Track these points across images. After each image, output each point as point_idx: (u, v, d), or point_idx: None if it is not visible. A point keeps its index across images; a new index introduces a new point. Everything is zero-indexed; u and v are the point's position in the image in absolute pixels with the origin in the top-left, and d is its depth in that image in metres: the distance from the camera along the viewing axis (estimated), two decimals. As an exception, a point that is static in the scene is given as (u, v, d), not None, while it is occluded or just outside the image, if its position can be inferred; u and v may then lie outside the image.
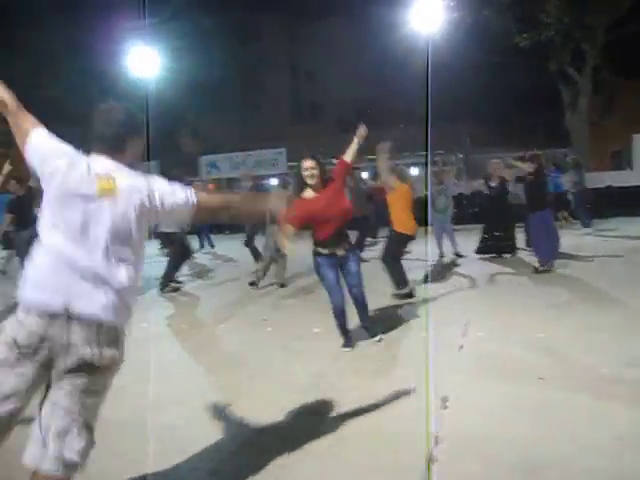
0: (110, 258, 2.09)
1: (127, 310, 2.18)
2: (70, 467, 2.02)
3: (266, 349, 5.08)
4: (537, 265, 8.01)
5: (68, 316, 1.99)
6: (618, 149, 21.92)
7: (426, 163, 18.58)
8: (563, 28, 17.94)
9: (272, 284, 8.20)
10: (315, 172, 4.63)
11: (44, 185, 2.13)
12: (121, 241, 2.13)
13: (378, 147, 6.59)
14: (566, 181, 13.15)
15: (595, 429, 3.12)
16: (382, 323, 5.58)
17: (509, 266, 8.73)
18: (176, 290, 8.22)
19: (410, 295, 6.85)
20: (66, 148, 2.20)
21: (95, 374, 2.06)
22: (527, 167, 7.91)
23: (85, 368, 2.02)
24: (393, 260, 6.91)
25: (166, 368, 4.63)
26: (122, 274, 2.11)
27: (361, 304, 4.93)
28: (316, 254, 4.74)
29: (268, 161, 22.94)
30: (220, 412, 3.67)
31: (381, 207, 14.33)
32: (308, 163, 4.67)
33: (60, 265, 2.04)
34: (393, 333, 5.31)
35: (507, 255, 9.45)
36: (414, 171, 24.03)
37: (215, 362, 4.87)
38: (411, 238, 6.97)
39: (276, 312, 6.70)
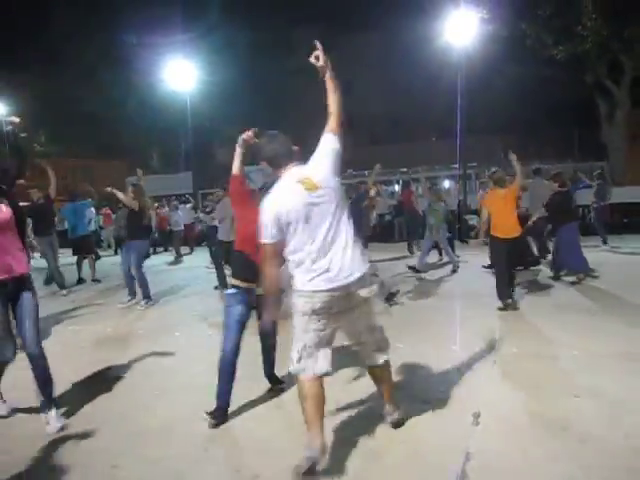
0: None
1: None
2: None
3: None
4: (573, 278, 8.22)
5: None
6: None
7: (459, 175, 18.47)
8: (600, 40, 17.70)
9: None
10: None
11: None
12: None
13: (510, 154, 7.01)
14: (589, 195, 12.95)
15: (630, 450, 3.08)
16: (414, 336, 5.59)
17: (536, 280, 8.60)
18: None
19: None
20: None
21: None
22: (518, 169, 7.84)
23: None
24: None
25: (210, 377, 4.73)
26: None
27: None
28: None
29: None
30: (253, 422, 3.73)
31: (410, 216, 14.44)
32: None
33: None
34: (425, 347, 5.30)
35: (533, 267, 9.44)
36: (446, 184, 23.90)
37: (250, 372, 4.92)
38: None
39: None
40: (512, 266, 7.11)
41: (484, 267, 9.71)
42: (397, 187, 22.88)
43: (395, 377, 4.42)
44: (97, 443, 3.55)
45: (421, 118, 31.71)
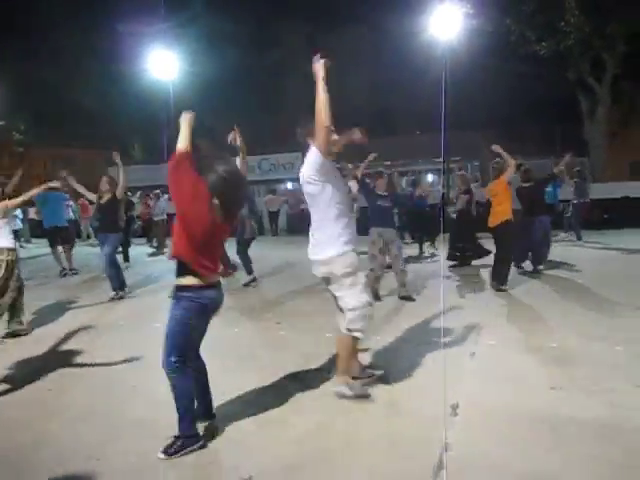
0: None
1: None
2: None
3: (279, 352, 5.13)
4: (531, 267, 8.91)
5: None
6: (638, 160, 21.72)
7: (443, 170, 18.57)
8: (582, 37, 17.86)
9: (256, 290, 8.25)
10: None
11: None
12: None
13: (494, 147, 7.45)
14: (569, 192, 13.07)
15: (604, 441, 3.14)
16: (395, 328, 5.62)
17: (513, 274, 8.67)
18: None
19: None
20: None
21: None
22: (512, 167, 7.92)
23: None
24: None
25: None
26: None
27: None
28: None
29: (284, 165, 23.04)
30: (233, 414, 3.72)
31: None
32: None
33: None
34: (404, 340, 5.33)
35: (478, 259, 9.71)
36: (429, 177, 24.00)
37: (228, 365, 4.92)
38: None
39: (290, 316, 6.74)
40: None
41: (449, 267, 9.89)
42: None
43: (375, 369, 4.46)
44: (77, 436, 3.53)
45: (405, 112, 31.75)
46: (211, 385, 3.52)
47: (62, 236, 10.77)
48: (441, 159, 19.12)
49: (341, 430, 3.41)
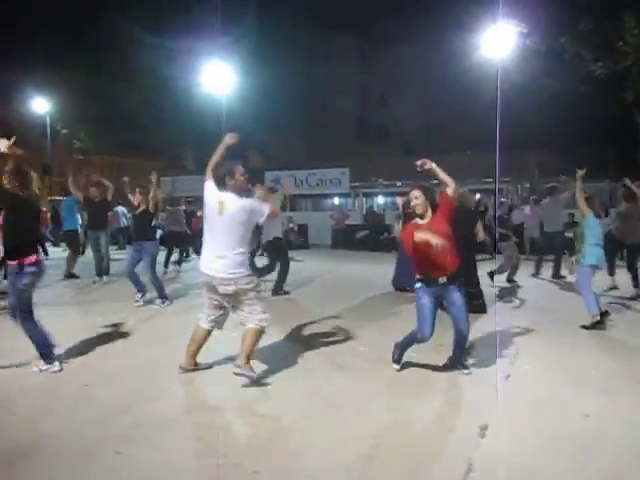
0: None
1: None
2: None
3: (309, 364, 5.15)
4: None
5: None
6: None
7: (495, 190, 18.28)
8: (642, 57, 17.38)
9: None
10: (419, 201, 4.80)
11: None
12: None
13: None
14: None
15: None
16: (429, 344, 5.57)
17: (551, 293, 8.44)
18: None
19: None
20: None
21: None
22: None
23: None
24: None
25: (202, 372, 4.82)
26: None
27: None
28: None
29: (331, 180, 23.16)
30: (253, 418, 3.78)
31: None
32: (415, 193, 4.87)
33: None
34: (439, 357, 5.27)
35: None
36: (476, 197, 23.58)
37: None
38: None
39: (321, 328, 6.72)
40: None
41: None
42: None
43: (403, 382, 4.44)
44: (141, 440, 3.66)
45: (456, 131, 31.56)
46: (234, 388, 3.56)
47: (69, 240, 11.45)
48: (490, 179, 18.78)
49: (362, 444, 3.40)
